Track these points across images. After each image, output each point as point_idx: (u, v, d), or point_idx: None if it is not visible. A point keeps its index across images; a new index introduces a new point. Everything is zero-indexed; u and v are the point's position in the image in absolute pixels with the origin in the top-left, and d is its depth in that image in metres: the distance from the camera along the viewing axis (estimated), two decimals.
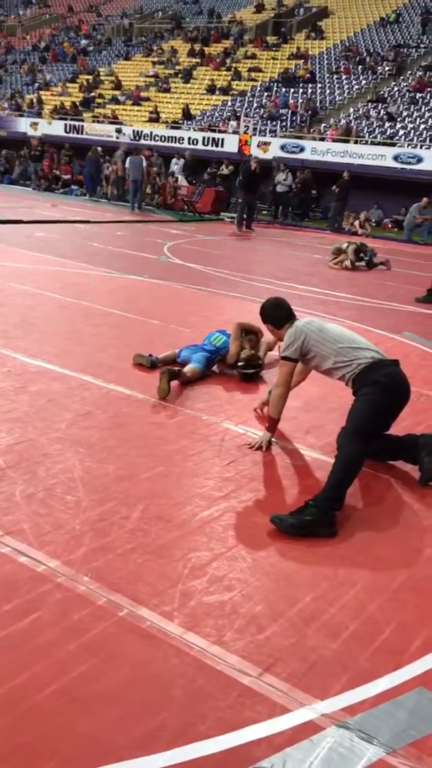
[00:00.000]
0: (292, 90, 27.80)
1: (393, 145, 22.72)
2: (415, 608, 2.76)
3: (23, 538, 2.92)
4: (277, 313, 4.09)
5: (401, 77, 26.65)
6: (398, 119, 24.10)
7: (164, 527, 3.13)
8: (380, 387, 3.65)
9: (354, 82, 27.56)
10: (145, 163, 18.89)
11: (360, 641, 2.52)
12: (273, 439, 4.10)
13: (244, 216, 17.12)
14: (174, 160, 22.62)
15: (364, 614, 2.68)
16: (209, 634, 2.46)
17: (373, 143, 23.18)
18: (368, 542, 3.24)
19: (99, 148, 21.94)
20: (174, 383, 4.78)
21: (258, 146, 24.05)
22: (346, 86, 27.52)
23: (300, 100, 26.89)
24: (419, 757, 2.05)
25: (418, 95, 25.01)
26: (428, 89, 25.10)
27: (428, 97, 24.86)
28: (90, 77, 33.17)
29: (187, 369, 5.01)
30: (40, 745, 1.95)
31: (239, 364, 5.26)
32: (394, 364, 3.82)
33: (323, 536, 3.17)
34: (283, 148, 24.05)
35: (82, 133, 28.45)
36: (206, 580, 2.78)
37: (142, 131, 27.27)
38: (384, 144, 22.89)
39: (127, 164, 19.00)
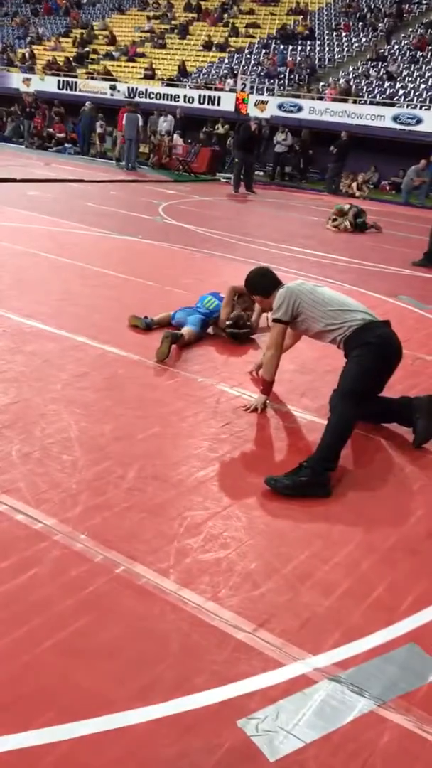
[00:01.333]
0: (290, 47, 27.24)
1: (393, 105, 22.36)
2: (406, 567, 2.80)
3: (20, 496, 2.94)
4: (264, 283, 4.07)
5: (402, 34, 26.10)
6: (398, 78, 23.68)
7: (160, 486, 3.16)
8: (372, 348, 3.63)
9: (354, 39, 27.00)
10: (140, 122, 18.55)
11: (353, 598, 2.56)
12: (268, 402, 4.11)
13: (241, 177, 16.83)
14: (162, 118, 22.12)
15: (357, 572, 2.72)
16: (204, 590, 2.50)
17: (372, 103, 22.80)
18: (361, 503, 3.27)
19: (88, 103, 21.48)
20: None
21: (255, 105, 23.66)
22: (345, 44, 26.97)
23: (298, 58, 26.37)
24: (408, 708, 2.10)
25: (419, 54, 24.55)
26: (429, 47, 24.62)
27: (429, 56, 24.40)
28: (84, 31, 32.38)
29: (185, 331, 4.99)
30: (39, 697, 1.99)
31: (227, 322, 5.25)
32: (386, 325, 3.80)
33: (318, 497, 3.20)
34: (280, 107, 23.66)
35: (75, 90, 27.89)
36: (202, 538, 2.81)
37: (137, 88, 26.75)
38: (383, 104, 22.53)
39: (123, 121, 18.63)
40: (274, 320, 3.91)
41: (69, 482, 3.09)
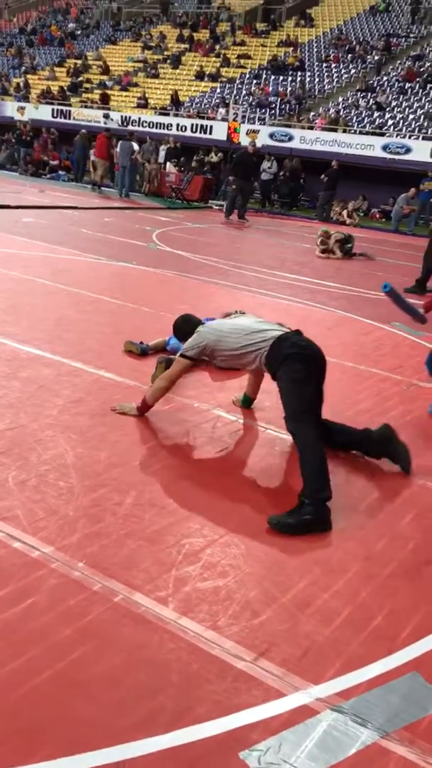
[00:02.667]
0: (281, 78, 27.68)
1: (382, 135, 22.71)
2: (406, 595, 2.79)
3: (17, 523, 2.91)
4: (186, 328, 4.10)
5: (391, 66, 26.60)
6: (387, 109, 24.09)
7: (158, 513, 3.14)
8: (294, 359, 3.59)
9: (343, 70, 27.48)
10: (136, 148, 18.77)
11: (353, 627, 2.55)
12: (262, 425, 4.11)
13: (236, 205, 16.92)
14: (161, 147, 22.41)
15: (356, 600, 2.70)
16: (204, 619, 2.48)
17: (362, 133, 23.15)
18: (359, 530, 3.26)
19: (82, 131, 21.71)
20: None
21: (247, 134, 23.94)
22: (335, 75, 27.44)
23: (289, 88, 26.79)
24: (412, 740, 2.08)
25: (407, 85, 25.00)
26: (417, 79, 25.09)
27: (417, 87, 24.86)
28: (78, 61, 32.82)
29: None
30: (39, 729, 1.95)
31: None
32: (296, 333, 3.78)
33: (320, 532, 3.16)
34: (271, 136, 23.97)
35: (69, 118, 28.18)
36: (200, 566, 2.79)
37: (130, 117, 27.06)
38: (373, 134, 22.87)
39: (117, 149, 18.84)
40: (181, 355, 3.97)
41: (66, 509, 3.07)
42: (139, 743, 1.93)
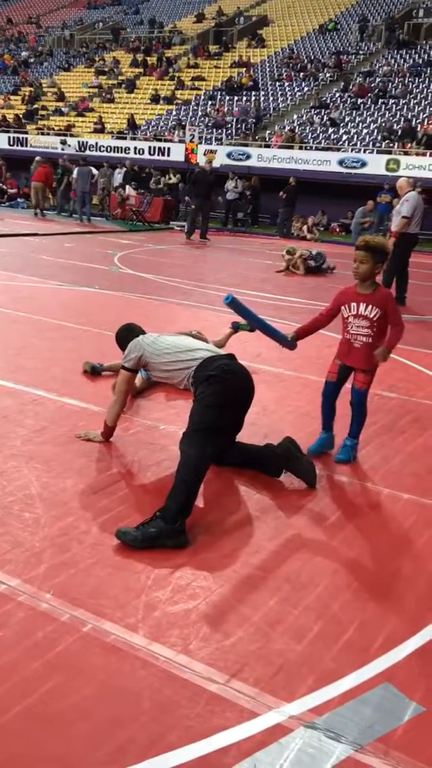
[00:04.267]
0: (236, 98, 28.04)
1: (337, 150, 23.08)
2: (375, 607, 2.80)
3: None
4: (129, 337, 4.10)
5: (342, 83, 27.10)
6: (341, 125, 24.51)
7: None
8: (213, 380, 3.57)
9: (296, 88, 27.93)
10: (93, 175, 18.84)
11: (324, 641, 2.55)
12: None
13: (195, 225, 17.03)
14: (117, 170, 22.51)
15: (327, 615, 2.71)
16: (175, 643, 2.46)
17: (317, 149, 23.50)
18: (326, 545, 3.28)
19: (38, 158, 21.68)
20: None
21: (204, 154, 24.15)
22: (288, 93, 27.87)
23: (243, 106, 27.13)
24: (386, 751, 2.08)
25: (360, 101, 25.48)
26: (369, 95, 25.59)
27: (369, 102, 25.35)
28: (32, 89, 32.90)
29: (137, 379, 5.00)
30: (9, 767, 1.92)
31: None
32: (227, 357, 3.78)
33: (173, 548, 3.05)
34: (229, 155, 24.22)
35: (26, 146, 28.19)
36: (170, 589, 2.78)
37: (87, 142, 27.15)
38: (328, 149, 23.23)
39: (74, 175, 18.88)
40: (122, 367, 4.00)
41: (32, 540, 3.04)
42: None
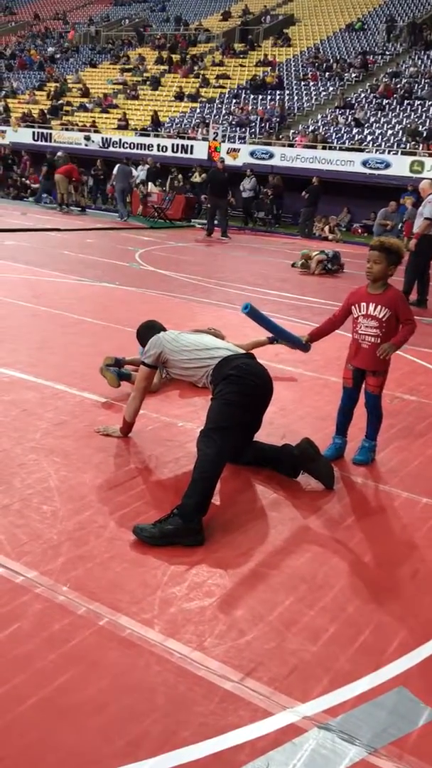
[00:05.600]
0: (260, 97, 27.99)
1: (361, 150, 22.97)
2: (392, 610, 2.79)
3: (0, 549, 2.90)
4: (150, 334, 4.10)
5: (368, 83, 26.98)
6: (366, 125, 24.39)
7: None
8: (231, 380, 3.57)
9: (321, 88, 27.82)
10: (133, 174, 18.90)
11: (340, 643, 2.54)
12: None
13: (215, 222, 17.07)
14: (140, 167, 22.56)
15: (342, 616, 2.70)
16: (190, 640, 2.47)
17: (341, 149, 23.40)
18: (344, 545, 3.26)
19: (61, 152, 21.78)
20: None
21: (227, 153, 24.15)
22: (313, 92, 27.77)
23: (268, 107, 27.09)
24: (400, 755, 2.07)
25: (385, 101, 25.34)
26: (394, 96, 25.44)
27: (394, 103, 25.20)
28: (57, 85, 33.07)
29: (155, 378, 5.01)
30: (23, 758, 1.93)
31: None
32: (245, 356, 3.78)
33: (189, 545, 3.06)
34: (252, 154, 24.20)
35: (50, 141, 28.33)
36: (186, 586, 2.78)
37: (111, 138, 27.24)
38: (352, 150, 23.13)
39: (114, 172, 18.90)
40: (142, 363, 4.00)
41: (50, 533, 3.06)
42: None
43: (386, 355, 3.94)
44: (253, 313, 3.89)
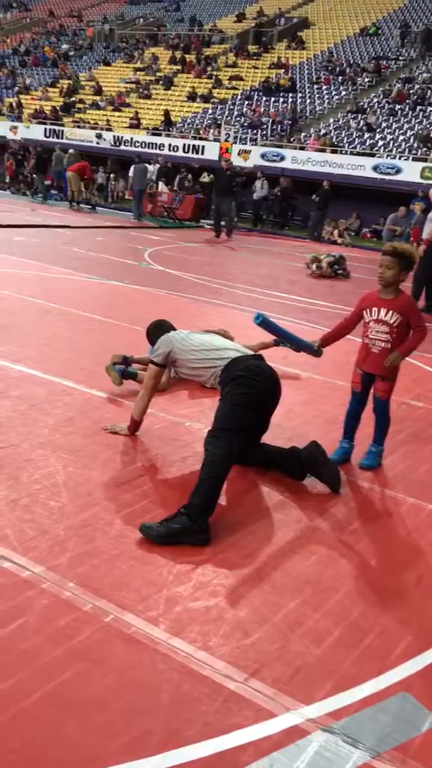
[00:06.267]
0: (272, 99, 28.00)
1: (372, 155, 22.95)
2: (396, 614, 2.79)
3: (7, 543, 2.91)
4: (159, 333, 4.13)
5: (381, 88, 26.96)
6: (377, 130, 24.38)
7: None
8: (240, 380, 3.57)
9: (334, 92, 27.82)
10: (149, 173, 18.81)
11: (344, 646, 2.54)
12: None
13: (222, 222, 17.03)
14: (150, 166, 22.55)
15: (347, 620, 2.70)
16: (195, 639, 2.48)
17: (352, 153, 23.39)
18: (350, 549, 3.27)
19: (71, 151, 21.75)
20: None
21: (239, 154, 24.18)
22: (326, 96, 27.76)
23: (280, 110, 27.10)
24: (403, 760, 2.07)
25: (397, 107, 25.31)
26: (407, 101, 25.42)
27: (407, 108, 25.17)
28: (70, 82, 33.13)
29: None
30: (27, 752, 1.94)
31: None
32: (254, 358, 3.78)
33: (195, 545, 3.06)
34: (263, 156, 24.20)
35: (62, 138, 28.39)
36: (191, 585, 2.79)
37: (122, 137, 27.28)
38: (364, 154, 23.12)
39: (131, 173, 18.77)
40: (151, 362, 4.01)
41: (57, 529, 3.07)
42: (127, 765, 1.92)
43: (393, 364, 3.95)
44: (265, 323, 3.91)
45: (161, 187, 21.55)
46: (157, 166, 22.34)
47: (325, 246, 17.34)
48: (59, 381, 4.93)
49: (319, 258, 12.78)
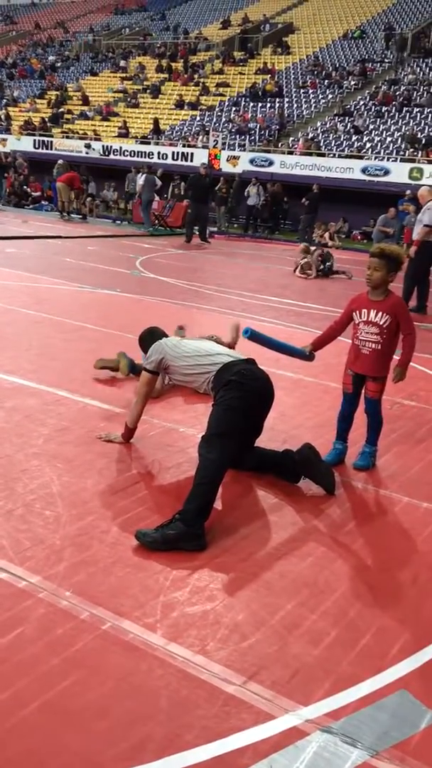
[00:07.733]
0: (260, 105, 28.12)
1: (360, 157, 23.06)
2: (393, 614, 2.80)
3: (3, 554, 2.91)
4: (151, 340, 4.15)
5: (367, 91, 27.10)
6: (365, 132, 24.49)
7: None
8: (232, 385, 3.58)
9: (321, 96, 27.95)
10: (157, 183, 18.63)
11: (341, 647, 2.55)
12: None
13: (195, 228, 16.84)
14: (139, 175, 22.56)
15: (344, 620, 2.71)
16: (192, 644, 2.48)
17: (340, 156, 23.50)
18: (345, 550, 3.28)
19: (60, 161, 21.73)
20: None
21: (227, 160, 24.28)
22: (313, 100, 27.90)
23: (267, 115, 27.21)
24: (402, 758, 2.08)
25: (384, 109, 25.45)
26: (393, 103, 25.55)
27: (393, 110, 25.31)
28: (58, 93, 33.22)
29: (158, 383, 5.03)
30: (27, 761, 1.94)
31: None
32: (247, 362, 3.79)
33: (190, 550, 3.06)
34: (252, 161, 24.29)
35: (51, 149, 28.46)
36: (188, 591, 2.80)
37: (111, 146, 27.35)
38: (351, 157, 23.22)
39: (141, 182, 18.47)
40: (144, 369, 4.03)
41: (53, 538, 3.07)
42: None
43: (403, 378, 4.02)
44: (254, 336, 3.95)
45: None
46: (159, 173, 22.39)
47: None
48: (52, 391, 4.94)
49: (309, 248, 12.99)
